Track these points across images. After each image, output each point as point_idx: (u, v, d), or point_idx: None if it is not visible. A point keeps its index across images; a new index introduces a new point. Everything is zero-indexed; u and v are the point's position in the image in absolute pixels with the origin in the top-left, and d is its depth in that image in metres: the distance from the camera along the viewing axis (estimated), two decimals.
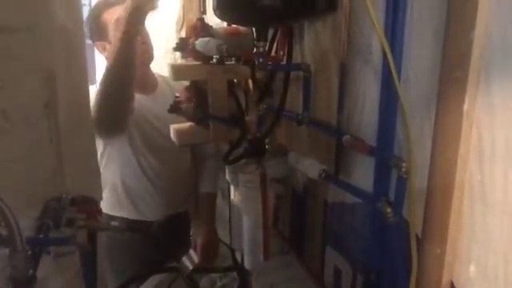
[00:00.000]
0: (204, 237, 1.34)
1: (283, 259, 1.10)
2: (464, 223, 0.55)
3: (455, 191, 0.54)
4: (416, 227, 0.61)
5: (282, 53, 0.92)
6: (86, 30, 1.27)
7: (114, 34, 1.16)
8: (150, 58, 1.29)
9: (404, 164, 0.62)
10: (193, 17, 1.61)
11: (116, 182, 1.27)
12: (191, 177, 1.42)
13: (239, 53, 0.95)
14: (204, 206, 1.37)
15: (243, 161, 0.98)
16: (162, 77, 1.35)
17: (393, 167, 0.64)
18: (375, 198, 0.66)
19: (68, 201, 0.79)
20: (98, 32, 1.23)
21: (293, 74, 0.92)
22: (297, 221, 1.02)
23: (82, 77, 0.94)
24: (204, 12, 1.59)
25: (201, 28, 1.05)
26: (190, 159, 1.40)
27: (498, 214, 0.49)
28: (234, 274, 1.27)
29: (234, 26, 0.98)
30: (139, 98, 1.23)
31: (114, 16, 1.18)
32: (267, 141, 0.94)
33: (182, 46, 1.07)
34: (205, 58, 1.02)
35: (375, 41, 0.68)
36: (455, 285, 0.57)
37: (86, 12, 1.30)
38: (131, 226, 1.26)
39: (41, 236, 0.69)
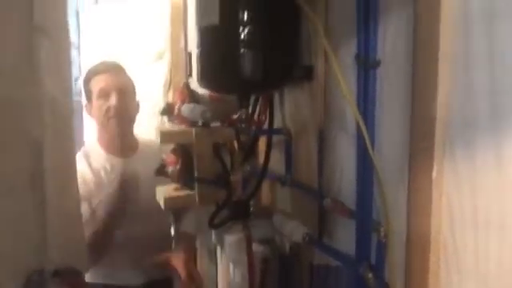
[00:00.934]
0: (184, 261, 1.26)
1: None
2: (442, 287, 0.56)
3: (431, 256, 0.56)
4: None
5: (264, 117, 0.96)
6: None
7: (95, 102, 1.22)
8: (132, 119, 1.33)
9: (382, 228, 0.63)
10: (180, 79, 1.67)
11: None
12: (171, 241, 1.40)
13: (223, 118, 0.99)
14: (181, 243, 1.32)
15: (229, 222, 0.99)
16: (144, 139, 1.38)
17: (372, 231, 0.66)
18: (357, 263, 0.67)
19: (50, 273, 0.78)
20: (86, 95, 1.29)
21: (275, 136, 0.96)
22: (283, 284, 1.00)
23: (69, 146, 0.96)
24: (190, 74, 1.66)
25: (186, 93, 1.10)
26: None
27: (472, 283, 0.51)
28: None
29: None
30: (118, 161, 1.25)
31: (100, 84, 1.23)
32: (252, 203, 0.95)
33: (168, 110, 1.11)
34: (189, 122, 1.06)
35: (349, 110, 0.72)
36: None
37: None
38: None
39: None
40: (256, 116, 0.99)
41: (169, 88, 1.65)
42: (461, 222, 0.52)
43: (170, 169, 1.10)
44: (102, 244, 1.19)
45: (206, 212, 1.04)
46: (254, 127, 0.96)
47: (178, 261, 1.23)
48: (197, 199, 1.08)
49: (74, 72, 3.00)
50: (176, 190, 1.11)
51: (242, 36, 0.74)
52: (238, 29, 0.74)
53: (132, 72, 1.40)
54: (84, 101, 1.35)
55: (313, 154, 0.83)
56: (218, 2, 0.73)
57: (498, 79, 0.47)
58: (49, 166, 0.88)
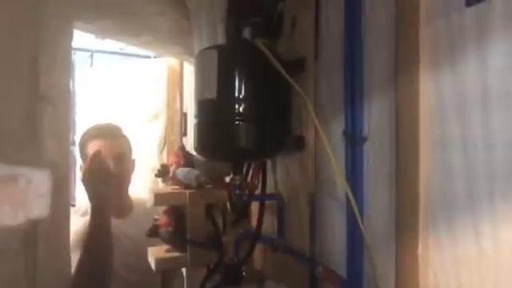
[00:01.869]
0: None
1: None
2: None
3: None
4: None
5: (256, 181, 0.99)
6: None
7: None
8: (127, 181, 1.35)
9: None
10: (175, 139, 1.72)
11: None
12: None
13: (217, 178, 1.02)
14: None
15: None
16: (137, 198, 1.40)
17: None
18: None
19: None
20: (81, 158, 1.31)
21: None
22: None
23: (64, 208, 0.98)
24: (185, 134, 1.71)
25: (182, 156, 1.14)
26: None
27: None
28: None
29: None
30: (113, 222, 1.26)
31: (94, 148, 1.26)
32: (244, 268, 0.96)
33: (163, 172, 1.14)
34: (185, 184, 1.09)
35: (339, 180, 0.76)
36: None
37: None
38: None
39: None
40: (249, 180, 1.02)
41: (163, 147, 1.69)
42: None
43: (162, 230, 1.11)
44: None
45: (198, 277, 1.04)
46: (246, 192, 0.99)
47: None
48: (188, 261, 1.08)
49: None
50: (168, 251, 1.12)
51: (237, 109, 0.79)
52: (234, 103, 0.79)
53: (127, 131, 1.43)
54: (78, 161, 1.36)
55: (304, 220, 0.85)
56: (216, 80, 0.78)
57: (471, 162, 0.52)
58: (42, 230, 0.89)
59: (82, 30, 1.19)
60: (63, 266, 0.95)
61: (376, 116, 0.68)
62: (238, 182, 0.88)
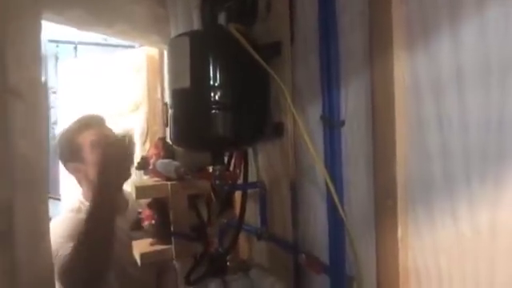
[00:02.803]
0: None
1: None
2: None
3: None
4: None
5: (238, 170, 0.98)
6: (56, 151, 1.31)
7: (89, 156, 1.20)
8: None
9: (355, 284, 0.64)
10: (157, 129, 1.69)
11: None
12: None
13: (199, 169, 1.00)
14: None
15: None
16: (131, 194, 1.37)
17: (347, 287, 0.67)
18: None
19: None
20: (71, 154, 1.25)
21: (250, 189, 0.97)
22: None
23: (42, 204, 0.95)
24: (167, 124, 1.68)
25: (161, 148, 1.11)
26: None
27: None
28: None
29: None
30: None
31: (89, 138, 1.22)
32: (229, 257, 0.95)
33: (143, 165, 1.12)
34: (166, 177, 1.07)
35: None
36: None
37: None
38: None
39: None
40: (231, 170, 1.00)
41: (146, 138, 1.67)
42: (427, 280, 0.54)
43: (145, 223, 1.09)
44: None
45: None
46: (229, 181, 0.97)
47: None
48: (173, 254, 1.07)
49: (53, 118, 2.98)
50: (152, 244, 1.10)
51: (213, 98, 0.77)
52: (209, 91, 0.77)
53: (109, 122, 1.40)
54: (64, 167, 1.30)
55: (286, 208, 0.84)
56: (188, 68, 0.76)
57: (447, 143, 0.51)
58: (19, 226, 0.86)
59: (51, 21, 1.15)
60: (44, 263, 0.93)
61: (353, 99, 0.67)
62: (218, 172, 0.86)
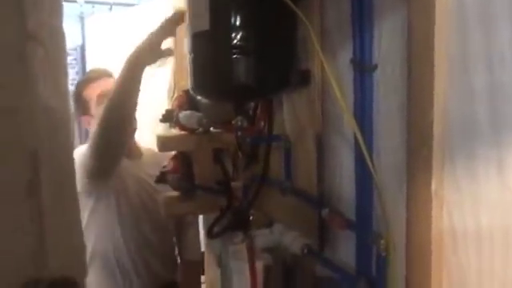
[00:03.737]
0: None
1: None
2: None
3: (433, 273, 0.52)
4: None
5: (262, 123, 0.93)
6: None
7: (97, 107, 1.21)
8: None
9: (382, 241, 0.60)
10: (185, 85, 1.65)
11: (96, 255, 1.24)
12: (174, 245, 1.40)
13: (224, 123, 0.96)
14: (186, 274, 1.32)
15: (230, 231, 0.97)
16: (147, 149, 1.37)
17: (372, 244, 0.62)
18: (356, 278, 0.63)
19: (46, 284, 0.77)
20: (82, 107, 1.27)
21: (276, 142, 0.93)
22: None
23: (67, 155, 0.95)
24: None
25: (185, 100, 1.08)
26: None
27: None
28: None
29: None
30: (125, 162, 1.25)
31: (97, 91, 1.22)
32: (252, 211, 0.92)
33: (167, 117, 1.10)
34: (190, 129, 1.04)
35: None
36: None
37: None
38: None
39: None
40: (256, 122, 0.96)
41: (173, 94, 1.64)
42: (463, 237, 0.49)
43: (170, 176, 1.08)
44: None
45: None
46: (254, 134, 0.93)
47: None
48: (197, 207, 1.06)
49: (77, 76, 3.02)
50: (177, 197, 1.10)
51: (234, 41, 0.71)
52: (230, 34, 0.71)
53: None
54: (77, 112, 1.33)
55: (312, 161, 0.79)
56: (208, 7, 0.70)
57: (497, 82, 0.44)
58: (45, 176, 0.87)
59: None
60: (71, 212, 0.95)
61: (387, 40, 0.60)
62: (240, 123, 0.82)
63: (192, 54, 0.77)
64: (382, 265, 0.60)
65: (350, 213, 0.70)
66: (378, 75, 0.61)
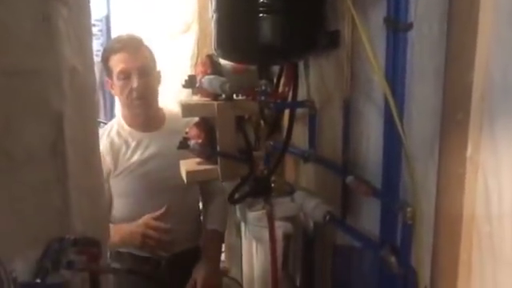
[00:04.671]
0: (203, 277, 1.28)
1: None
2: (473, 277, 0.50)
3: (462, 242, 0.50)
4: (426, 279, 0.57)
5: (287, 89, 0.91)
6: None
7: (117, 81, 1.21)
8: (155, 94, 1.31)
9: (409, 209, 0.58)
10: (208, 51, 1.63)
11: (123, 219, 1.26)
12: (199, 212, 1.41)
13: (247, 91, 0.94)
14: (208, 243, 1.33)
15: (251, 198, 0.96)
16: (171, 112, 1.36)
17: (398, 212, 0.60)
18: (380, 246, 0.62)
19: (70, 242, 0.78)
20: (107, 72, 1.27)
21: (299, 109, 0.90)
22: (306, 264, 0.97)
23: (91, 117, 0.95)
24: None
25: (209, 65, 1.06)
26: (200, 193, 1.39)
27: (509, 273, 0.45)
28: None
29: None
30: (143, 136, 1.25)
31: (119, 66, 1.21)
32: (273, 179, 0.91)
33: (190, 83, 1.08)
34: (213, 95, 1.02)
35: (377, 78, 0.65)
36: None
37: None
38: (133, 269, 1.25)
39: (37, 281, 0.68)
40: (280, 88, 0.94)
41: (196, 60, 1.62)
42: (498, 206, 0.46)
43: (192, 142, 1.07)
44: None
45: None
46: (277, 100, 0.91)
47: (198, 276, 1.25)
48: (219, 173, 1.05)
49: (103, 42, 3.02)
50: (199, 163, 1.09)
51: None
52: None
53: (159, 45, 1.37)
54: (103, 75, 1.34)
55: (337, 128, 0.77)
56: None
57: None
58: (70, 137, 0.87)
59: None
60: (94, 173, 0.96)
61: None
62: (263, 87, 0.80)
63: (216, 13, 0.75)
64: (408, 233, 0.58)
65: (376, 180, 0.67)
66: (412, 35, 0.58)
